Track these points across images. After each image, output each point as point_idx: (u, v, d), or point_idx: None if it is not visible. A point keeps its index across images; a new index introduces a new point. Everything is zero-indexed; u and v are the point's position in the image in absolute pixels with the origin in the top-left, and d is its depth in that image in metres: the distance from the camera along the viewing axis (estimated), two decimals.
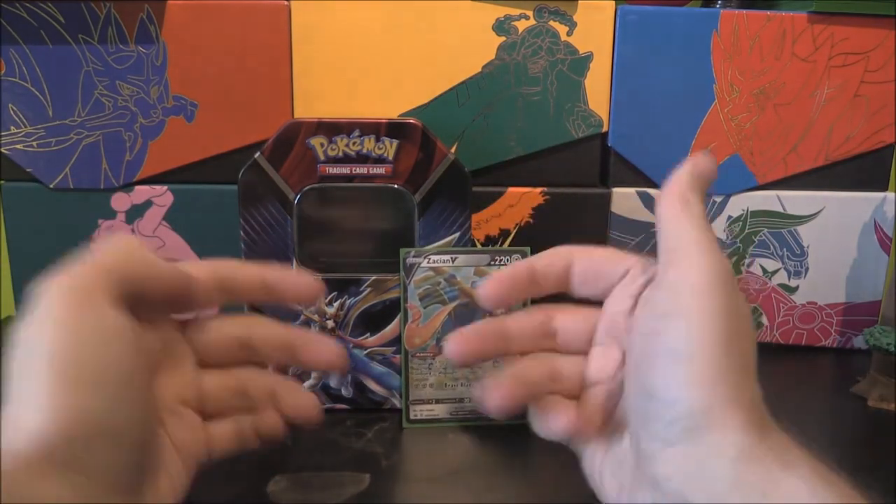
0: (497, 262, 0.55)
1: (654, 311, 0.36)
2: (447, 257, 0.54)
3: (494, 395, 0.38)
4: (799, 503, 0.30)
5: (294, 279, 0.43)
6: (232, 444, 0.41)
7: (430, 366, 0.55)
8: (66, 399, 0.30)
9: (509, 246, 0.65)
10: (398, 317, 0.55)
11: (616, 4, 0.63)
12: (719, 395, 0.32)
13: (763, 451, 0.32)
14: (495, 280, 0.41)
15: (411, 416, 0.54)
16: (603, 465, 0.38)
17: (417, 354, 0.54)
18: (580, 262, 0.42)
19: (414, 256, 0.54)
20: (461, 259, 0.55)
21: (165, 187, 0.64)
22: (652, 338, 0.35)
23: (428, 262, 0.54)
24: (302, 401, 0.42)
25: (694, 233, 0.36)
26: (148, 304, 0.37)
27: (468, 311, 0.55)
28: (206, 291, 0.41)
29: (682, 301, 0.34)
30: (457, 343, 0.40)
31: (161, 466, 0.36)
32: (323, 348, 0.43)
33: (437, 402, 0.55)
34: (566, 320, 0.42)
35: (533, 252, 0.60)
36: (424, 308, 0.54)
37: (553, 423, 0.39)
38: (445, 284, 0.54)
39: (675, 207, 0.37)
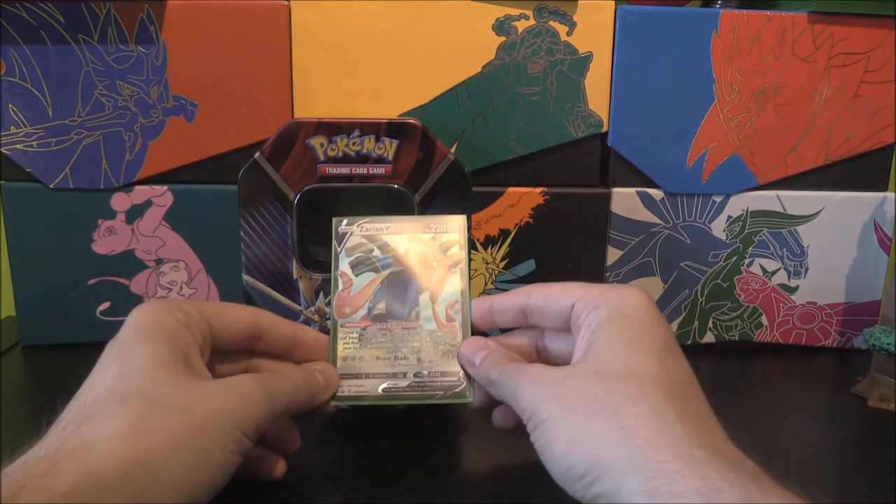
0: (432, 231, 0.51)
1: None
2: (381, 225, 0.52)
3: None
4: None
5: (317, 342, 0.49)
6: None
7: (360, 337, 0.49)
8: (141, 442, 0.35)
9: (508, 246, 0.65)
10: None
11: (616, 4, 0.63)
12: (590, 458, 0.36)
13: (678, 483, 0.33)
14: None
15: (338, 393, 0.48)
16: None
17: (347, 324, 0.50)
18: (536, 297, 0.46)
19: (346, 224, 0.51)
20: (395, 227, 0.52)
21: (165, 187, 0.64)
22: (530, 435, 0.40)
23: (361, 230, 0.52)
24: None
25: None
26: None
27: (401, 280, 0.51)
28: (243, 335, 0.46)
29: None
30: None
31: None
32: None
33: (368, 377, 0.48)
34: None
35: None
36: (356, 276, 0.51)
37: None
38: (379, 252, 0.51)
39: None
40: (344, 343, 0.49)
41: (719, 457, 0.34)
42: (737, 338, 0.70)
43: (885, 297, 0.68)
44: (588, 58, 0.63)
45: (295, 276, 0.55)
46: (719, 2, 0.68)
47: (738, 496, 0.32)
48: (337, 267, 0.50)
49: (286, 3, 0.61)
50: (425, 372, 0.48)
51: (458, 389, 0.47)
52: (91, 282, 0.64)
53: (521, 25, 0.62)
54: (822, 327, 0.70)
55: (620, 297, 0.42)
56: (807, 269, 0.68)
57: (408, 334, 0.49)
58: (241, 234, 0.54)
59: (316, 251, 0.56)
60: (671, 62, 0.64)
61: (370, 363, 0.48)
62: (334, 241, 0.51)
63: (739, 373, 0.66)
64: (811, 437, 0.56)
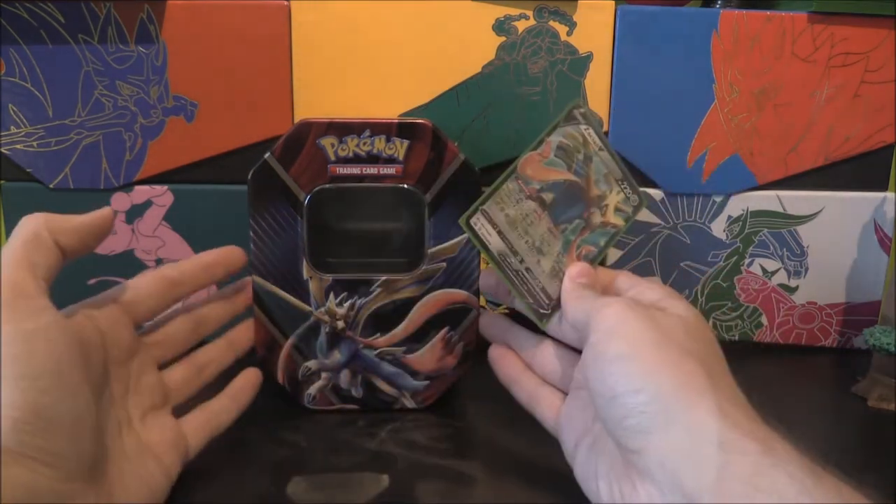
0: (620, 187, 0.53)
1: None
2: (601, 143, 0.53)
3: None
4: (787, 502, 0.32)
5: (222, 252, 0.52)
6: (205, 431, 0.47)
7: (518, 202, 0.51)
8: (13, 396, 0.34)
9: None
10: (409, 315, 0.55)
11: (616, 4, 0.63)
12: (670, 381, 0.37)
13: (748, 443, 0.35)
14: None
15: (472, 222, 0.50)
16: (597, 473, 0.42)
17: (520, 184, 0.51)
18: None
19: (583, 118, 0.52)
20: (606, 156, 0.53)
21: (165, 187, 0.63)
22: (599, 349, 0.41)
23: (588, 133, 0.52)
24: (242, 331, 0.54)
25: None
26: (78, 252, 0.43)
27: (575, 195, 0.52)
28: (156, 296, 0.48)
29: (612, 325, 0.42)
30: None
31: (129, 468, 0.40)
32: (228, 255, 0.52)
33: (500, 233, 0.50)
34: None
35: None
36: (554, 156, 0.52)
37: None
38: (581, 159, 0.52)
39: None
40: (506, 197, 0.50)
41: (785, 445, 0.36)
42: (737, 338, 0.70)
43: (885, 297, 0.68)
44: (588, 58, 0.63)
45: (305, 276, 0.54)
46: (719, 2, 0.68)
47: (798, 470, 0.34)
48: (550, 133, 0.51)
49: (286, 3, 0.61)
50: (536, 276, 0.50)
51: (542, 310, 0.50)
52: (91, 282, 0.64)
53: (521, 25, 0.62)
54: (822, 327, 0.70)
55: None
56: (807, 269, 0.69)
57: (548, 237, 0.51)
58: (251, 234, 0.54)
59: (326, 251, 0.56)
60: (671, 62, 0.64)
61: (509, 229, 0.50)
62: (562, 114, 0.52)
63: (739, 373, 0.65)
64: (811, 437, 0.55)
